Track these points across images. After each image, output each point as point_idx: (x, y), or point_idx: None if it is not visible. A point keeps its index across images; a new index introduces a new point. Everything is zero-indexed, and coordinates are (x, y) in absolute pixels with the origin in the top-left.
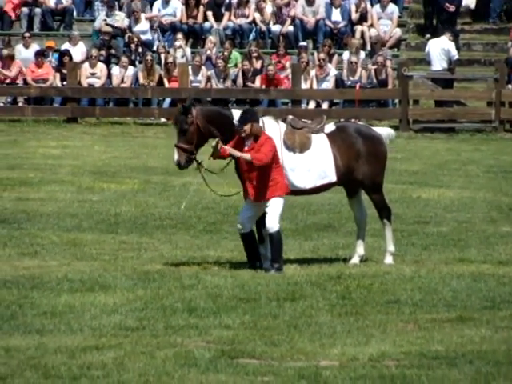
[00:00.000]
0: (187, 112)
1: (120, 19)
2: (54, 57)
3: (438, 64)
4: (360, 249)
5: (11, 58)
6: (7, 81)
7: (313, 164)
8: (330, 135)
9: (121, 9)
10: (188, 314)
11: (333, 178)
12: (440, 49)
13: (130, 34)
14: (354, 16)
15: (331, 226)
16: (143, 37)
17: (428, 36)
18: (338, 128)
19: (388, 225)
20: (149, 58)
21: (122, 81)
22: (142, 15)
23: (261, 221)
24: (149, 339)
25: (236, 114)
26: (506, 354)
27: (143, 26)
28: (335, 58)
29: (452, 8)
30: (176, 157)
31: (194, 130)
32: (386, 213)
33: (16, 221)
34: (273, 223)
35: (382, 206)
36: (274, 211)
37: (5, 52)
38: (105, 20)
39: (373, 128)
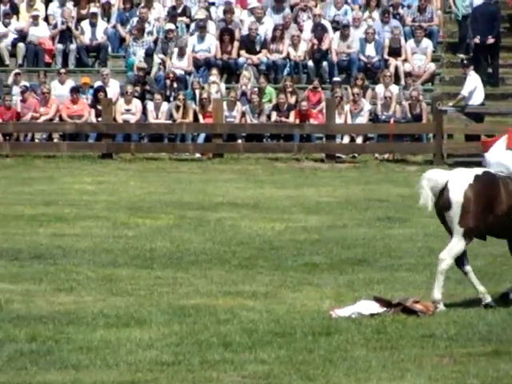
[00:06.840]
0: None
1: (156, 63)
2: (90, 93)
3: (472, 99)
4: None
5: (48, 95)
6: (43, 118)
7: None
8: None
9: (155, 45)
10: (223, 348)
11: None
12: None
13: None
14: (388, 51)
15: (366, 261)
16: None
17: (461, 71)
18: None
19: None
20: (181, 97)
21: (157, 117)
22: (175, 52)
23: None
24: (184, 374)
25: None
26: None
27: (179, 62)
28: (369, 91)
29: (491, 40)
30: None
31: None
32: None
33: (51, 256)
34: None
35: None
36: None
37: (42, 89)
38: (140, 61)
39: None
